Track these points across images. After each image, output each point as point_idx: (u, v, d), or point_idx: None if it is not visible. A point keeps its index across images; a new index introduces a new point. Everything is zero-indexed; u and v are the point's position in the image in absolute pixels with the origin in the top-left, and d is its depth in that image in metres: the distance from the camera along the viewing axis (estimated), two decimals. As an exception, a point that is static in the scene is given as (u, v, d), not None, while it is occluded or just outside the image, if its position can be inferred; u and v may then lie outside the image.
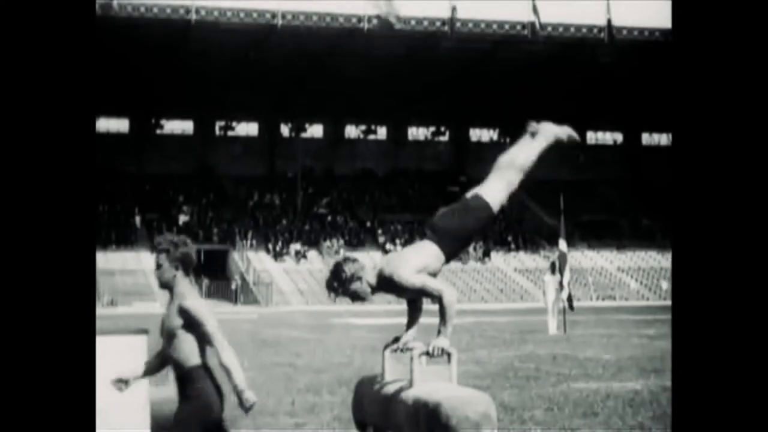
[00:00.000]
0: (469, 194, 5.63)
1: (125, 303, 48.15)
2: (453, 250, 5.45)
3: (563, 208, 24.19)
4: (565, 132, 6.01)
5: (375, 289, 5.39)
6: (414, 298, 5.56)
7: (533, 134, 5.88)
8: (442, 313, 5.17)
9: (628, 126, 73.76)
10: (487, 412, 4.81)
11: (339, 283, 5.39)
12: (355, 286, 5.36)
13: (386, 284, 5.31)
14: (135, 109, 64.80)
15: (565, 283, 22.47)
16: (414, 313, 5.62)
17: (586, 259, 60.01)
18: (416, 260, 5.31)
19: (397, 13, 51.39)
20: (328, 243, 59.03)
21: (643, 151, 74.61)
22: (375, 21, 52.35)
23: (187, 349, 4.64)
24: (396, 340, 5.58)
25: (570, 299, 22.55)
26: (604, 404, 8.92)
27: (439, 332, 5.17)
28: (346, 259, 5.50)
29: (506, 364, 13.59)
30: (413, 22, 54.25)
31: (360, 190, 66.63)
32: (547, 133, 5.92)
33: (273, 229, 60.37)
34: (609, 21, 55.12)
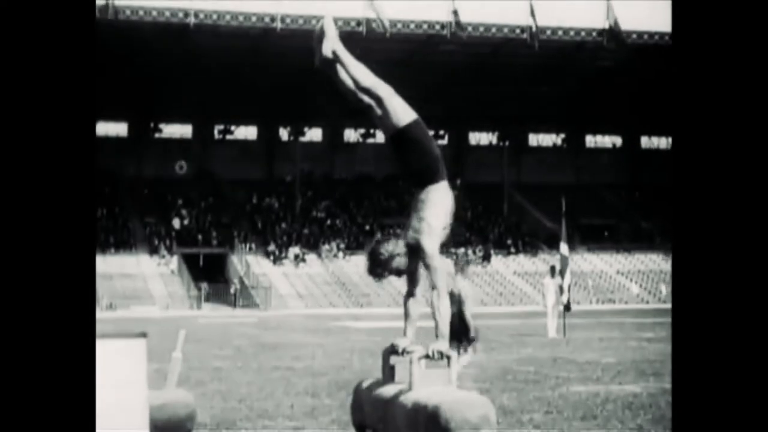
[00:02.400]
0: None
1: (124, 307, 48.13)
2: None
3: (564, 211, 24.14)
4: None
5: (410, 258, 5.33)
6: (415, 272, 5.46)
7: None
8: (439, 317, 5.17)
9: (627, 129, 73.80)
10: (486, 415, 4.80)
11: (381, 267, 5.34)
12: (396, 263, 5.31)
13: (413, 252, 5.26)
14: (134, 113, 64.83)
15: (565, 286, 22.44)
16: (411, 317, 5.59)
17: (585, 262, 60.02)
18: (438, 222, 5.27)
19: (380, 15, 51.30)
20: (327, 247, 59.03)
21: (643, 155, 74.65)
22: (374, 24, 52.33)
23: None
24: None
25: (568, 303, 22.56)
26: (603, 407, 8.92)
27: (437, 336, 5.18)
28: (378, 242, 5.42)
29: (505, 367, 13.59)
30: (412, 26, 54.29)
31: (359, 193, 66.64)
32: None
33: (272, 232, 60.37)
34: (611, 25, 55.06)
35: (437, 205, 5.34)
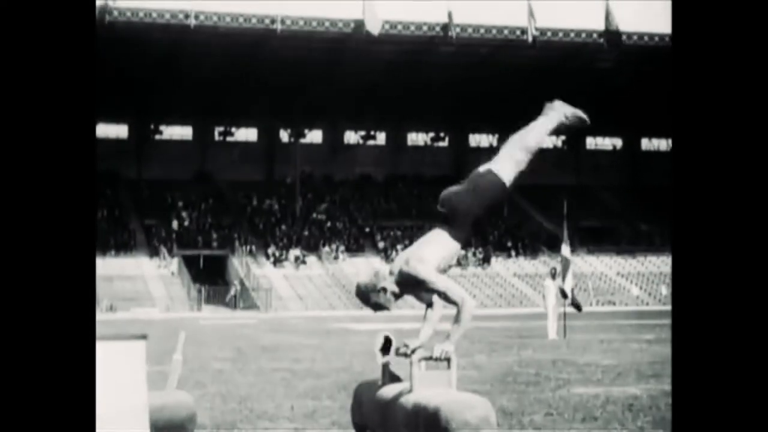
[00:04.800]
0: (481, 170, 5.60)
1: (124, 308, 48.14)
2: (466, 234, 5.38)
3: (566, 213, 24.08)
4: (575, 113, 5.92)
5: (398, 295, 5.32)
6: (432, 301, 5.51)
7: (547, 113, 5.84)
8: (458, 320, 5.13)
9: (627, 131, 73.82)
10: (486, 416, 4.80)
11: (362, 297, 5.45)
12: (374, 297, 5.34)
13: (408, 285, 5.24)
14: (134, 115, 64.88)
15: (568, 289, 22.36)
16: (428, 320, 5.59)
17: (585, 264, 60.01)
18: (435, 257, 5.25)
19: (368, 19, 51.25)
20: (327, 249, 59.03)
21: (643, 156, 74.66)
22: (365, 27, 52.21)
23: None
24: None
25: (579, 305, 22.54)
26: (603, 409, 8.92)
27: (447, 336, 5.15)
28: (359, 282, 5.47)
29: (506, 369, 13.58)
30: (412, 27, 54.29)
31: (359, 195, 66.65)
32: (558, 110, 5.85)
33: (272, 234, 60.37)
34: (609, 27, 55.09)
35: (437, 243, 5.33)
